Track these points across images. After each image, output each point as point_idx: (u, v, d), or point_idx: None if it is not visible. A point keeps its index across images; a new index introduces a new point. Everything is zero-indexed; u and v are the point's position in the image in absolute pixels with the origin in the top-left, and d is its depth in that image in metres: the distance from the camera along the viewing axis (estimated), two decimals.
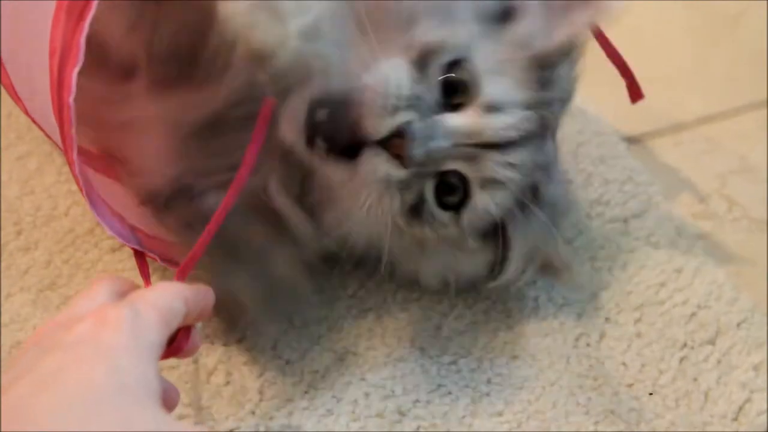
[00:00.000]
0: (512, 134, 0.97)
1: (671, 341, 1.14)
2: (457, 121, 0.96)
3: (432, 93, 0.96)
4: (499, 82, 0.97)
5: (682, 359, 1.13)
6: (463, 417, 1.06)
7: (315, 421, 1.04)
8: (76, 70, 0.89)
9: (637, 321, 1.16)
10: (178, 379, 1.05)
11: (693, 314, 1.17)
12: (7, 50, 1.10)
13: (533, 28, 0.99)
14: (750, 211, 1.34)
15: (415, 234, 1.03)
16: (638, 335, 1.15)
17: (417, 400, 1.07)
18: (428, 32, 0.97)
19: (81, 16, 0.90)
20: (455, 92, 0.97)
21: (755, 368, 1.12)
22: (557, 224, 1.09)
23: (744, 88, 1.55)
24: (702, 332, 1.15)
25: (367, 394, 1.07)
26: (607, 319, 1.16)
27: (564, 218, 1.15)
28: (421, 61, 0.96)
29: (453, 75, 0.96)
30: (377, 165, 0.94)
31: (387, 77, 0.94)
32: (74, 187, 1.22)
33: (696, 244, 1.26)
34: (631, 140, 1.42)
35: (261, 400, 1.05)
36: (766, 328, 1.16)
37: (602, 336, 1.15)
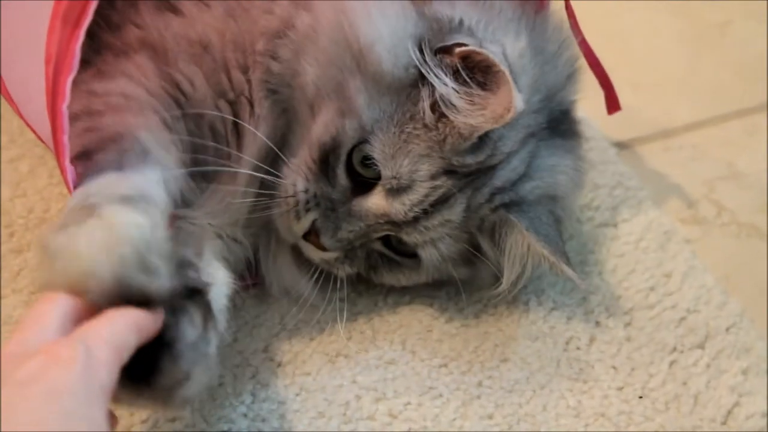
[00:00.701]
0: (417, 210, 1.03)
1: (661, 345, 1.15)
2: (362, 206, 1.04)
3: (340, 183, 1.04)
4: (402, 161, 1.01)
5: (671, 363, 1.13)
6: (454, 419, 1.06)
7: (307, 423, 1.04)
8: (71, 77, 0.90)
9: (627, 325, 1.17)
10: None
11: (682, 318, 1.18)
12: (2, 55, 1.10)
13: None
14: (738, 216, 1.36)
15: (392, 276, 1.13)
16: (628, 339, 1.15)
17: (408, 403, 1.07)
18: (323, 128, 1.03)
19: (77, 24, 0.91)
20: (369, 167, 1.03)
21: (744, 372, 1.13)
22: (557, 213, 1.11)
23: (731, 95, 1.57)
24: (691, 336, 1.16)
25: (358, 397, 1.07)
26: (597, 323, 1.17)
27: (569, 202, 1.15)
28: (322, 158, 1.03)
29: (353, 165, 1.03)
30: (310, 253, 1.10)
31: (286, 186, 1.05)
32: (66, 190, 1.21)
33: (685, 249, 1.27)
34: (621, 146, 1.44)
35: (253, 402, 1.05)
36: (753, 332, 1.17)
37: (592, 340, 1.15)
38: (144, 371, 0.80)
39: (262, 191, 1.06)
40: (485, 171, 1.03)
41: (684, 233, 1.30)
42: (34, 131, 1.17)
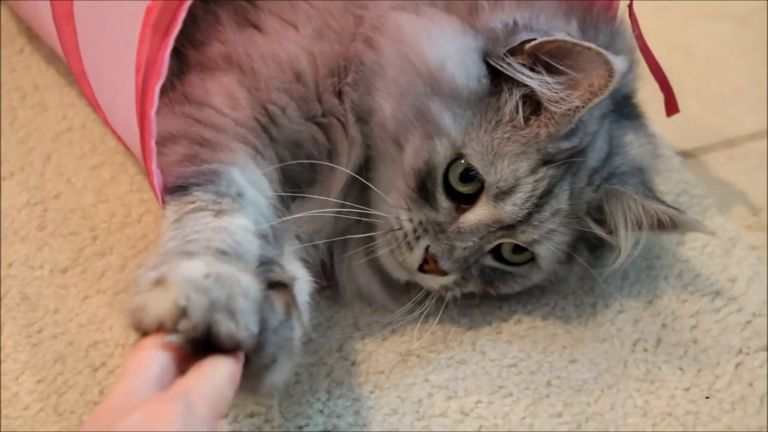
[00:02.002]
0: (529, 206, 1.05)
1: (727, 347, 1.17)
2: (471, 220, 1.06)
3: (441, 205, 1.06)
4: (501, 164, 1.03)
5: (737, 365, 1.15)
6: (524, 418, 1.09)
7: (381, 419, 1.07)
8: (159, 84, 0.94)
9: (693, 328, 1.19)
10: None
11: (748, 322, 1.20)
12: (90, 63, 1.14)
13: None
14: None
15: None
16: (694, 341, 1.17)
17: (479, 401, 1.10)
18: (413, 156, 1.05)
19: (166, 33, 0.95)
20: (467, 182, 1.05)
21: None
22: (647, 183, 1.14)
23: None
24: (757, 339, 1.18)
25: (430, 395, 1.10)
26: (663, 326, 1.19)
27: (653, 174, 1.17)
28: (420, 185, 1.06)
29: (451, 184, 1.05)
30: (429, 283, 1.13)
31: (390, 222, 1.08)
32: (146, 196, 1.27)
33: (750, 255, 1.28)
34: (685, 155, 1.45)
35: (329, 399, 1.08)
36: None
37: (659, 341, 1.17)
38: None
39: (354, 206, 1.08)
40: (577, 155, 1.06)
41: (749, 239, 1.31)
42: (118, 137, 1.20)
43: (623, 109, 1.13)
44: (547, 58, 1.00)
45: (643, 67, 1.22)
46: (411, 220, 1.07)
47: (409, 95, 1.04)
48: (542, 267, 1.12)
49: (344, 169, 1.08)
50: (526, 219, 1.05)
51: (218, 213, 0.92)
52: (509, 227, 1.06)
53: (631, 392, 1.12)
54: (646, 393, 1.12)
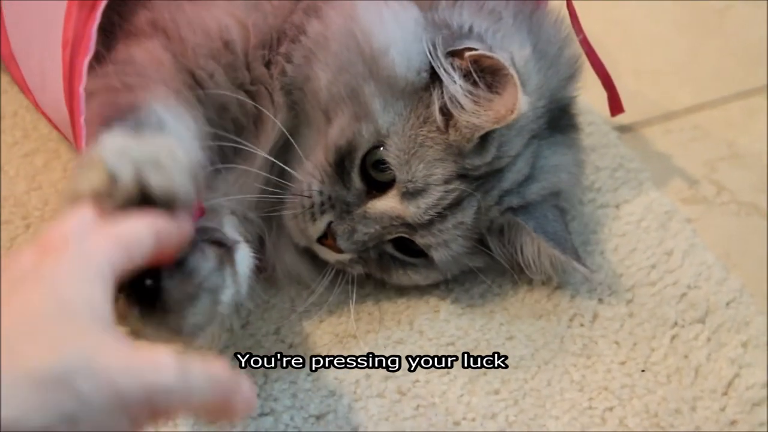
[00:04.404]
0: (432, 213, 1.06)
1: (662, 320, 1.18)
2: (378, 208, 1.07)
3: (354, 186, 1.06)
4: (417, 165, 1.04)
5: (673, 337, 1.16)
6: (461, 395, 1.09)
7: (318, 401, 1.07)
8: (87, 59, 0.93)
9: (629, 301, 1.20)
10: None
11: (683, 294, 1.21)
12: (18, 45, 1.13)
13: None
14: (738, 196, 1.38)
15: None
16: (630, 315, 1.18)
17: (416, 380, 1.10)
18: (338, 132, 1.05)
19: (93, 7, 0.94)
20: (383, 171, 1.05)
21: (743, 345, 1.15)
22: (560, 205, 1.15)
23: (731, 78, 1.60)
24: (692, 311, 1.19)
25: (368, 375, 1.10)
26: (599, 300, 1.19)
27: (571, 194, 1.20)
28: (338, 161, 1.06)
29: (367, 168, 1.06)
30: (325, 255, 1.13)
31: (301, 187, 1.07)
32: None
33: (686, 228, 1.29)
34: (622, 129, 1.46)
35: (266, 382, 1.08)
36: (753, 306, 1.19)
37: (595, 316, 1.18)
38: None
39: (277, 179, 1.08)
40: (493, 174, 1.06)
41: (685, 213, 1.32)
42: (50, 120, 1.19)
43: (559, 121, 1.14)
44: (479, 72, 1.01)
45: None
46: (321, 193, 1.07)
47: (347, 72, 1.04)
48: (437, 268, 1.13)
49: (269, 135, 1.08)
50: (427, 224, 1.06)
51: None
52: (411, 226, 1.07)
53: (568, 367, 1.13)
54: (583, 368, 1.13)
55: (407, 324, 1.16)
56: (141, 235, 0.75)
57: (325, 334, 1.14)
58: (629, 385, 1.11)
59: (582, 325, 1.17)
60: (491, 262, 1.16)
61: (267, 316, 1.15)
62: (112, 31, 1.07)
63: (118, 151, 0.78)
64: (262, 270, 1.13)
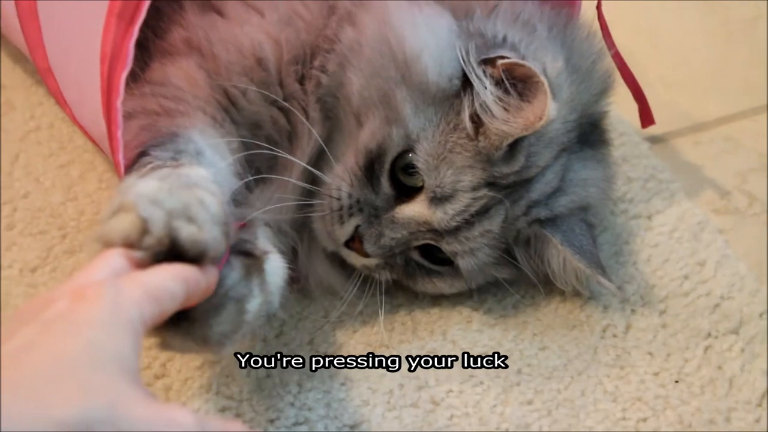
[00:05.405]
0: (459, 219, 1.06)
1: (696, 331, 1.18)
2: (405, 213, 1.07)
3: (383, 191, 1.07)
4: (445, 170, 1.04)
5: (706, 348, 1.16)
6: (495, 405, 1.09)
7: (352, 411, 1.07)
8: (125, 73, 0.94)
9: (662, 312, 1.20)
10: (220, 373, 1.09)
11: (716, 305, 1.21)
12: (55, 58, 1.14)
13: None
14: None
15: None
16: (663, 326, 1.18)
17: (450, 390, 1.10)
18: (369, 136, 1.06)
19: (131, 21, 0.95)
20: (412, 175, 1.06)
21: None
22: (588, 219, 1.15)
23: (761, 88, 1.59)
24: (726, 322, 1.19)
25: (401, 385, 1.10)
26: (632, 311, 1.19)
27: (594, 209, 1.18)
28: (368, 165, 1.06)
29: (396, 173, 1.06)
30: (351, 259, 1.13)
31: (330, 189, 1.08)
32: None
33: (718, 239, 1.29)
34: (653, 140, 1.46)
35: (300, 391, 1.08)
36: None
37: (628, 327, 1.18)
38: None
39: (311, 186, 1.09)
40: (522, 184, 1.06)
41: (717, 223, 1.32)
42: (87, 134, 1.20)
43: (590, 136, 1.14)
44: (511, 79, 1.01)
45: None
46: (350, 196, 1.07)
47: (379, 77, 1.04)
48: (463, 276, 1.12)
49: (305, 149, 1.09)
50: (454, 231, 1.06)
51: (177, 167, 0.90)
52: (437, 232, 1.07)
53: (601, 378, 1.13)
54: (616, 378, 1.13)
55: (440, 334, 1.16)
56: (171, 286, 0.76)
57: (359, 344, 1.14)
58: (663, 395, 1.11)
59: (615, 335, 1.17)
60: (517, 273, 1.16)
61: (301, 326, 1.16)
62: (146, 48, 1.09)
63: (152, 199, 0.79)
64: (296, 281, 1.13)
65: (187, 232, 0.79)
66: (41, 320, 0.69)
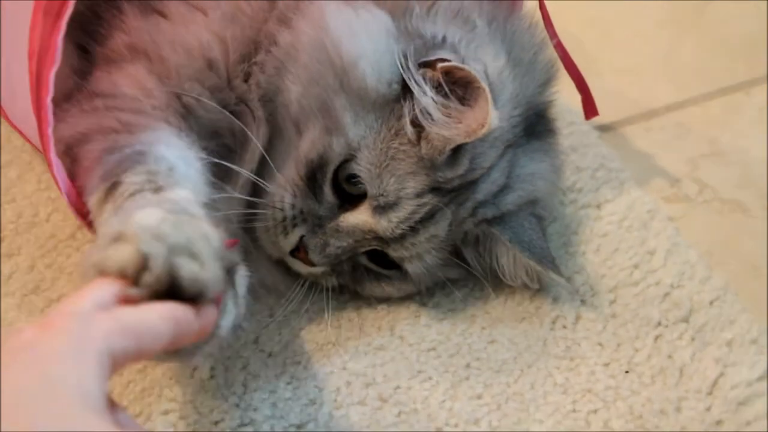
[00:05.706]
0: (404, 227, 1.05)
1: (646, 320, 1.16)
2: (350, 222, 1.06)
3: (326, 200, 1.06)
4: (388, 178, 1.03)
5: (656, 338, 1.15)
6: (444, 401, 1.08)
7: (298, 410, 1.05)
8: (54, 70, 0.91)
9: (612, 302, 1.18)
10: (163, 375, 1.07)
11: (666, 294, 1.19)
12: None
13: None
14: (721, 193, 1.37)
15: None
16: (613, 316, 1.17)
17: (398, 387, 1.09)
18: (309, 146, 1.04)
19: (58, 16, 0.92)
20: (355, 184, 1.04)
21: (728, 344, 1.14)
22: (538, 212, 1.14)
23: (712, 74, 1.59)
24: (676, 311, 1.17)
25: (348, 383, 1.08)
26: (582, 302, 1.18)
27: (543, 202, 1.17)
28: (309, 175, 1.05)
29: (339, 182, 1.05)
30: (297, 267, 1.12)
31: (273, 200, 1.06)
32: (54, 194, 1.24)
33: (668, 227, 1.28)
34: (603, 129, 1.45)
35: (245, 392, 1.06)
36: (737, 305, 1.18)
37: (578, 318, 1.17)
38: None
39: (253, 199, 1.07)
40: (467, 186, 1.05)
41: (667, 211, 1.31)
42: (21, 134, 1.18)
43: (536, 127, 1.13)
44: (451, 83, 1.00)
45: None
46: (293, 206, 1.06)
47: (317, 85, 1.03)
48: (411, 279, 1.12)
49: (251, 157, 1.07)
50: (400, 238, 1.05)
51: (156, 190, 0.89)
52: (383, 239, 1.06)
53: (551, 370, 1.11)
54: (566, 370, 1.12)
55: (388, 330, 1.14)
56: (155, 324, 0.75)
57: (305, 342, 1.12)
58: (613, 386, 1.10)
59: (565, 327, 1.16)
60: (466, 274, 1.15)
61: (245, 325, 1.13)
62: (87, 58, 1.06)
63: (155, 234, 0.77)
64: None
65: (188, 270, 0.77)
66: (8, 349, 0.69)
